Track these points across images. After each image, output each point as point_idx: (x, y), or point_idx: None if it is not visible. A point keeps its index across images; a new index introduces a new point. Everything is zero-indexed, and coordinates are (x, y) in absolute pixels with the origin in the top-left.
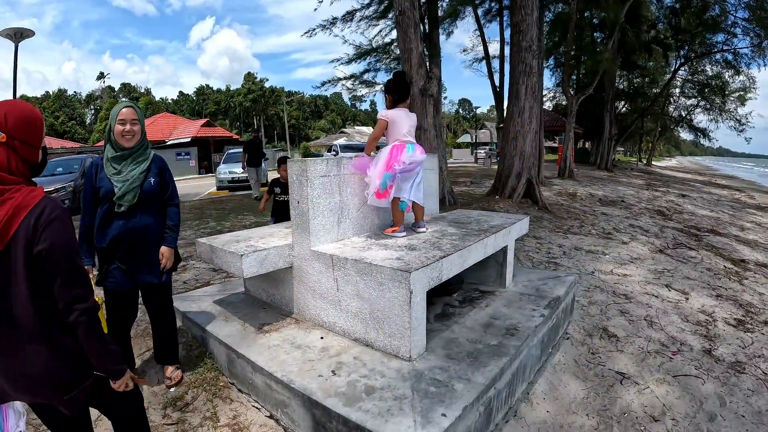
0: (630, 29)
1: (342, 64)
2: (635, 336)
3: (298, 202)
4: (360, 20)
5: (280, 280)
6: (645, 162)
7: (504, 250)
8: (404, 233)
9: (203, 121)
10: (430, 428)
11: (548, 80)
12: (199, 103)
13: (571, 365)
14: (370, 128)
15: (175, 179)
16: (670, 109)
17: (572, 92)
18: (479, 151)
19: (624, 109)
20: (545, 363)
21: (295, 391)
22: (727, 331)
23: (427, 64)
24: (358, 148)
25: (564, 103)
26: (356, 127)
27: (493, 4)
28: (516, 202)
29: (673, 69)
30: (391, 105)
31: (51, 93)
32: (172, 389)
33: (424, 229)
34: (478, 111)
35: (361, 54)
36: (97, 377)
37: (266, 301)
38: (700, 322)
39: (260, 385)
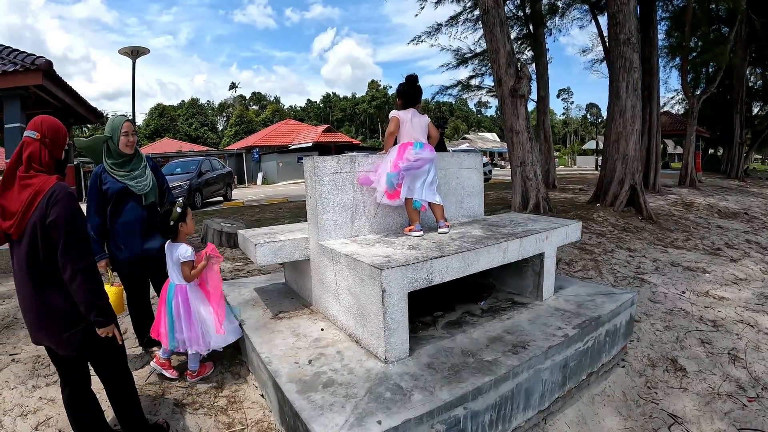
0: (757, 20)
1: (449, 69)
2: (709, 372)
3: (311, 198)
4: (463, 23)
5: (304, 272)
6: None
7: (540, 258)
8: (420, 232)
9: (324, 127)
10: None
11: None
12: (326, 111)
13: (617, 398)
14: (494, 134)
15: (295, 181)
16: None
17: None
18: (600, 158)
19: (761, 111)
20: (579, 392)
21: (269, 372)
22: None
23: (518, 63)
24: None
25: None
26: (479, 133)
27: None
28: (618, 211)
29: None
30: (402, 107)
31: (185, 102)
32: None
33: (444, 230)
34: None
35: (462, 59)
36: (89, 326)
37: (296, 291)
38: None
39: (255, 364)
